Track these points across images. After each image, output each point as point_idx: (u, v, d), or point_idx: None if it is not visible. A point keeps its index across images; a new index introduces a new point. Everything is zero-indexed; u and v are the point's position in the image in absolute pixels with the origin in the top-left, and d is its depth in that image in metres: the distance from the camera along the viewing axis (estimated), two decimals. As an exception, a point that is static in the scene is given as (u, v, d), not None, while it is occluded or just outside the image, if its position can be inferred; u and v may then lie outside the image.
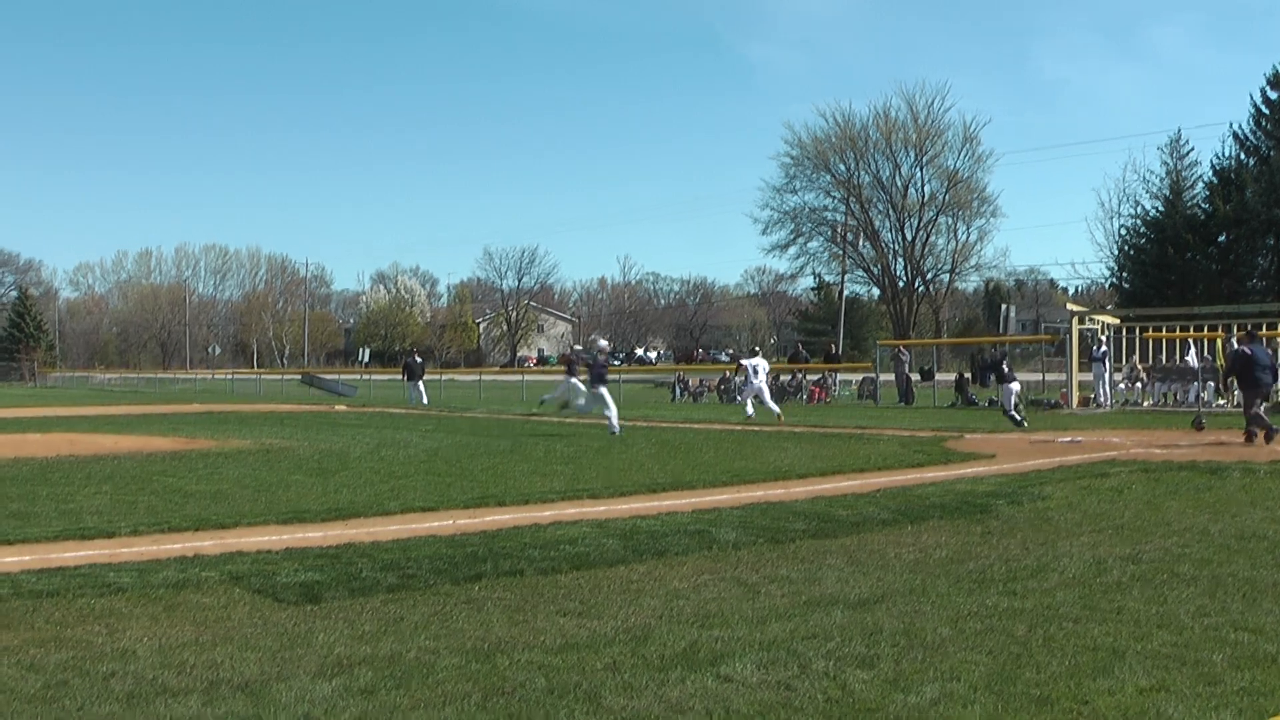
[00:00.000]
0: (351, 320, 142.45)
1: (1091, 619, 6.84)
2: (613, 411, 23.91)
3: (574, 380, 26.63)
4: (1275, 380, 20.85)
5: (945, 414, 31.35)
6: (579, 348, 46.26)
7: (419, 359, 45.98)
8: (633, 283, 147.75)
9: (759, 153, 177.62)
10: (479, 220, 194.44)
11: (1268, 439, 18.82)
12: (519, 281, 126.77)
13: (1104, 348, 31.22)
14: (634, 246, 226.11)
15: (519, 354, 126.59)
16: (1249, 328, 27.58)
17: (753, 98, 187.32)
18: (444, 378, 68.06)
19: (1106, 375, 31.69)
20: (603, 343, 24.47)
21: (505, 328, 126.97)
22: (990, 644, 6.29)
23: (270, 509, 12.18)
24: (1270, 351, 22.69)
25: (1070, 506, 11.74)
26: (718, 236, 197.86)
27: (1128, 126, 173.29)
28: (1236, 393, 29.73)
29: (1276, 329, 32.54)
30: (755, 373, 30.59)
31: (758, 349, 40.62)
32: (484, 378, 64.18)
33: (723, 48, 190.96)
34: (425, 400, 41.79)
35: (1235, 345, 23.26)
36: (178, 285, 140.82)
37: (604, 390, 24.35)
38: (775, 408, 28.17)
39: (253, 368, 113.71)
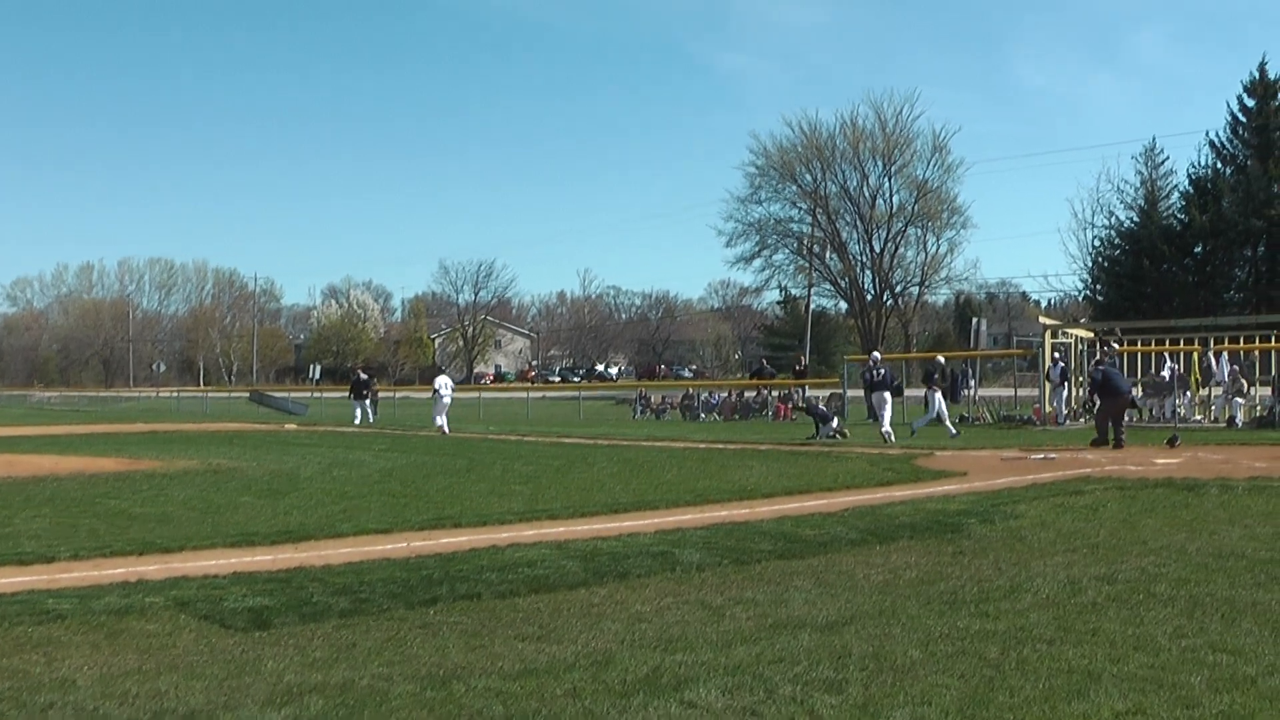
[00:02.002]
0: (302, 336, 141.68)
1: (1066, 641, 6.87)
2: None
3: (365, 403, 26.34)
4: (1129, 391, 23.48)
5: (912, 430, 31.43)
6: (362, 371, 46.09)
7: (365, 375, 45.54)
8: (593, 296, 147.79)
9: (723, 163, 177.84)
10: (434, 232, 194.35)
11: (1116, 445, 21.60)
12: (475, 295, 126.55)
13: (1060, 364, 31.31)
14: (594, 260, 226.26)
15: (476, 370, 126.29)
16: (1107, 343, 28.68)
17: (718, 107, 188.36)
18: (398, 395, 67.63)
19: (1065, 393, 31.67)
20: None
21: (461, 343, 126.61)
22: (962, 667, 6.31)
23: (218, 532, 12.09)
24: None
25: (1044, 525, 11.79)
26: (681, 249, 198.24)
27: (1102, 135, 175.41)
28: (1214, 406, 30.15)
29: (1255, 342, 32.84)
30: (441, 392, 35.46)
31: (443, 367, 41.70)
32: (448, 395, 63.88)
33: (688, 57, 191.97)
34: (372, 419, 41.35)
35: (1097, 365, 24.90)
36: (121, 300, 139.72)
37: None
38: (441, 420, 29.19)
39: (199, 385, 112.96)
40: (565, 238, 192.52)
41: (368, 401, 42.28)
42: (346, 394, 46.68)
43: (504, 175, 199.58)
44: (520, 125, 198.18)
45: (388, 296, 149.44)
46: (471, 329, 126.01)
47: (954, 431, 27.16)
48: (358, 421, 40.45)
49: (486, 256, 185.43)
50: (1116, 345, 32.38)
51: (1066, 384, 31.98)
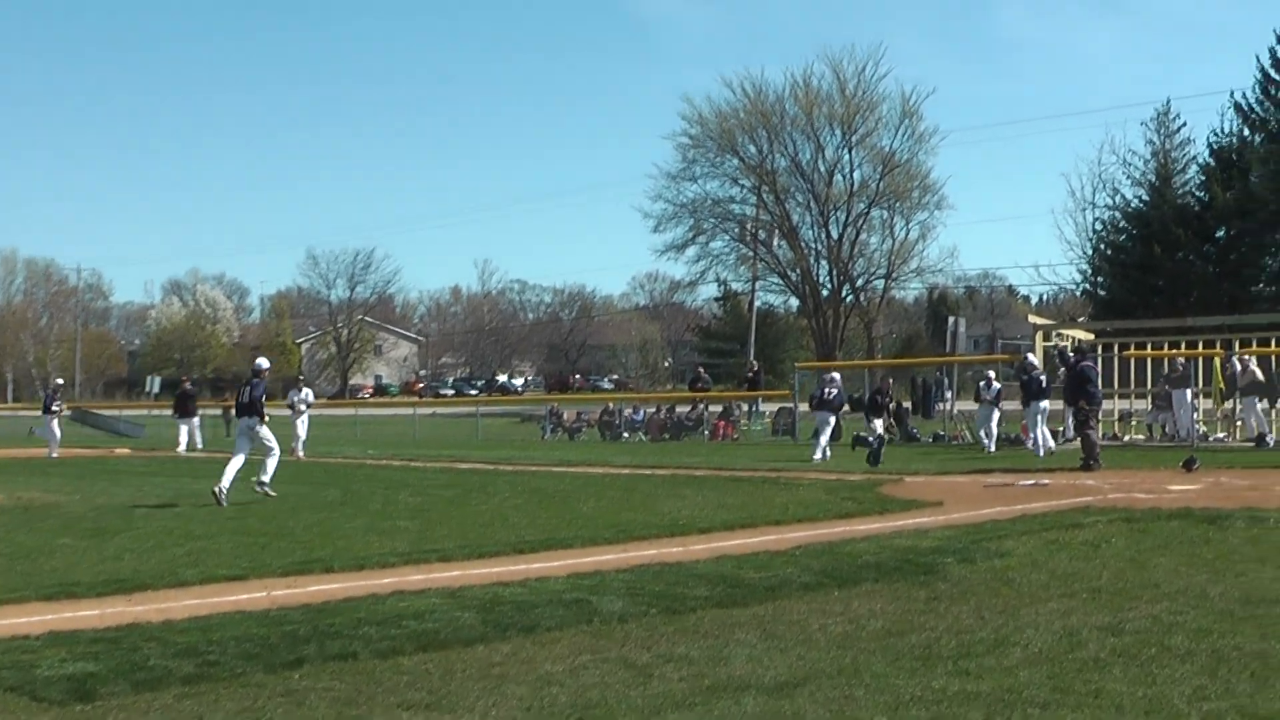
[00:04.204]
0: (138, 341, 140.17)
1: (1063, 704, 6.90)
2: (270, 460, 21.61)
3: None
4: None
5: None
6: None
7: (191, 387, 44.79)
8: (494, 293, 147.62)
9: (650, 132, 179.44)
10: (301, 216, 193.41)
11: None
12: (351, 291, 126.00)
13: (995, 385, 31.36)
14: (495, 248, 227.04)
15: (352, 382, 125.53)
16: (1079, 345, 29.14)
17: (643, 64, 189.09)
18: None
19: (995, 417, 31.31)
20: (263, 362, 23.46)
21: (334, 349, 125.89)
22: (938, 735, 6.32)
23: (29, 582, 11.87)
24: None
25: (1035, 565, 11.87)
26: (600, 236, 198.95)
27: (1106, 97, 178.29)
28: (1239, 424, 30.55)
29: None
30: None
31: (302, 377, 41.72)
32: (309, 412, 63.42)
33: (606, 1, 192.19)
34: (200, 444, 40.45)
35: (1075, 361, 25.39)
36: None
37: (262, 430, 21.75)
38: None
39: (6, 401, 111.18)
40: (460, 222, 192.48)
41: (195, 420, 41.30)
42: (170, 412, 45.42)
43: (385, 147, 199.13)
44: (404, 86, 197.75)
45: (243, 293, 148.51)
46: (347, 332, 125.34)
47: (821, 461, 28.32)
48: (183, 447, 39.53)
49: (364, 245, 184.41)
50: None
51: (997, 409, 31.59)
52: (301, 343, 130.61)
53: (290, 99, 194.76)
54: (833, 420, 29.59)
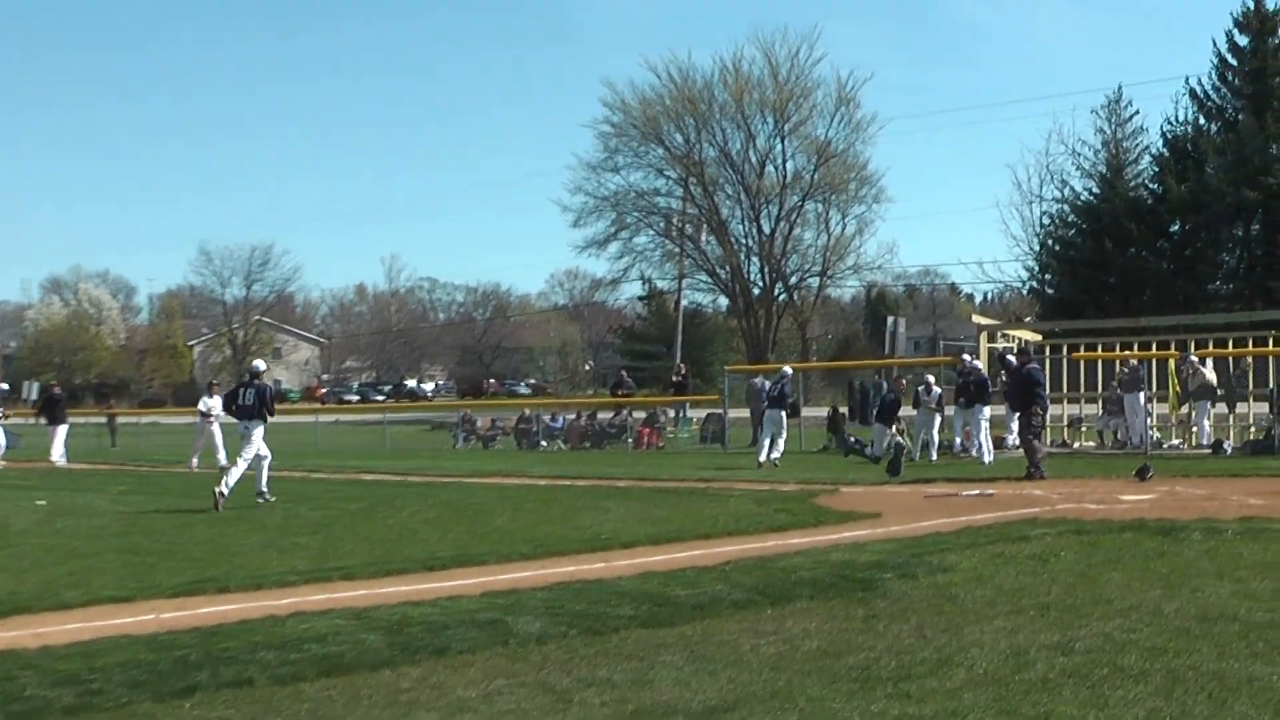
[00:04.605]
0: (13, 344, 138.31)
1: (1008, 726, 6.95)
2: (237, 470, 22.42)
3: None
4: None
5: (816, 461, 31.79)
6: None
7: (60, 392, 44.34)
8: (402, 291, 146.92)
9: (570, 119, 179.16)
10: (193, 209, 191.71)
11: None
12: (248, 290, 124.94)
13: (936, 389, 31.21)
14: (403, 244, 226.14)
15: (218, 386, 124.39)
16: (1023, 346, 29.45)
17: (562, 46, 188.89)
18: (144, 420, 66.39)
19: (937, 424, 31.10)
20: (259, 364, 24.51)
21: (230, 352, 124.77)
22: (877, 762, 6.35)
23: (-105, 604, 11.71)
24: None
25: (980, 580, 11.94)
26: (515, 231, 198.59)
27: (1054, 83, 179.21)
28: (1195, 428, 30.82)
29: (1248, 345, 33.26)
30: None
31: (216, 383, 41.63)
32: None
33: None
34: (63, 459, 39.80)
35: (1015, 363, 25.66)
36: None
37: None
38: None
39: None
40: (365, 216, 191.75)
41: (64, 429, 40.78)
42: (37, 418, 44.74)
43: (285, 136, 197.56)
44: (304, 74, 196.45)
45: (131, 292, 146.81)
46: (243, 334, 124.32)
47: (768, 464, 28.97)
48: (57, 456, 39.12)
49: (262, 240, 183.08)
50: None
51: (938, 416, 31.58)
52: (194, 345, 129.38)
53: (183, 85, 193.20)
54: (785, 419, 30.18)
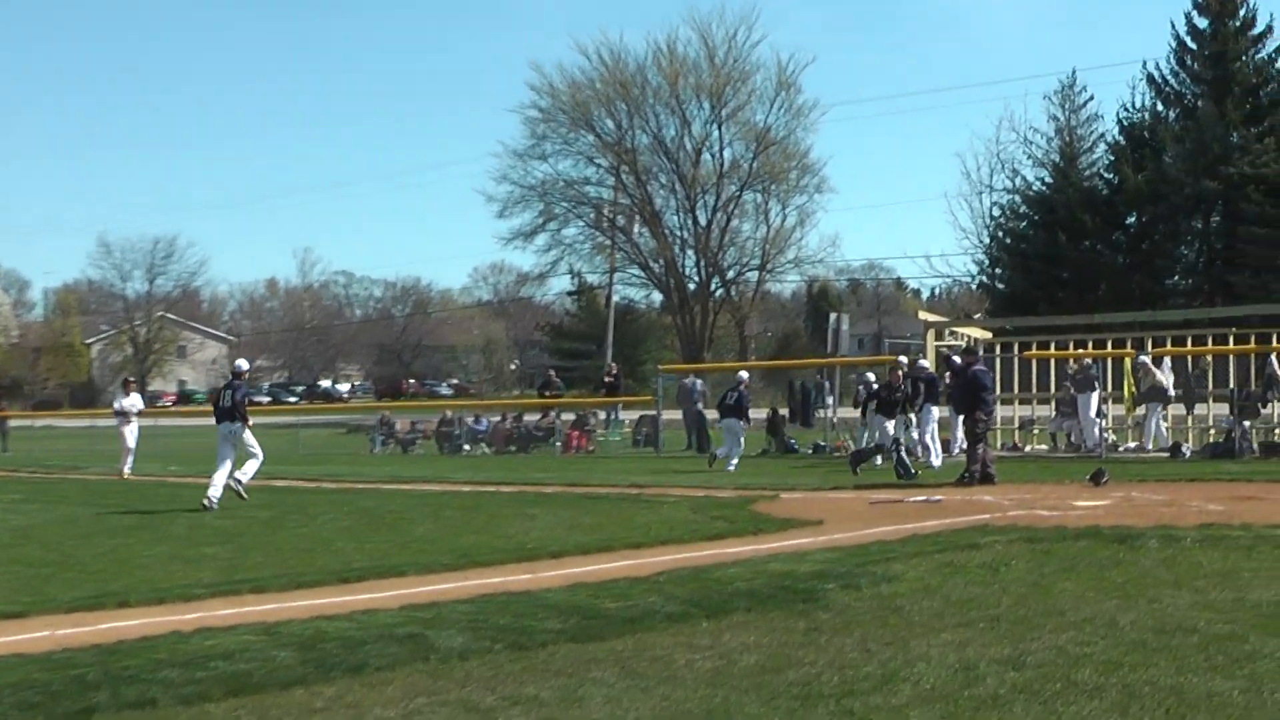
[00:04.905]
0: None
1: (955, 744, 6.98)
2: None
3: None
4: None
5: (755, 465, 31.83)
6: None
7: None
8: (316, 286, 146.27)
9: (494, 104, 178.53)
10: (92, 199, 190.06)
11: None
12: (151, 285, 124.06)
13: (875, 387, 31.07)
14: (317, 235, 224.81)
15: (151, 388, 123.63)
16: (970, 345, 29.62)
17: (487, 26, 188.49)
18: (39, 423, 65.88)
19: (890, 426, 30.87)
20: (242, 364, 25.05)
21: (131, 350, 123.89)
22: (818, 782, 6.36)
23: None
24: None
25: (927, 591, 12.00)
26: (437, 222, 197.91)
27: (1005, 68, 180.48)
28: (1153, 425, 31.02)
29: (1207, 343, 33.51)
30: None
31: (133, 379, 41.43)
32: (100, 422, 62.40)
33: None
34: None
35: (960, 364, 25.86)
36: None
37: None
38: None
39: None
40: (276, 205, 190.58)
41: None
42: None
43: (190, 121, 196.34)
44: (210, 48, 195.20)
45: (23, 286, 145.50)
46: (145, 331, 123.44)
47: (723, 468, 29.59)
48: None
49: (166, 231, 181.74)
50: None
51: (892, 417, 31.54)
52: (92, 343, 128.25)
53: (79, 66, 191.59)
54: (742, 428, 30.72)
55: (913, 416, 29.50)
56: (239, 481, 22.60)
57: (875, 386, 30.79)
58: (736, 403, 30.71)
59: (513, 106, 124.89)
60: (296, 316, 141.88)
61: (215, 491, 22.17)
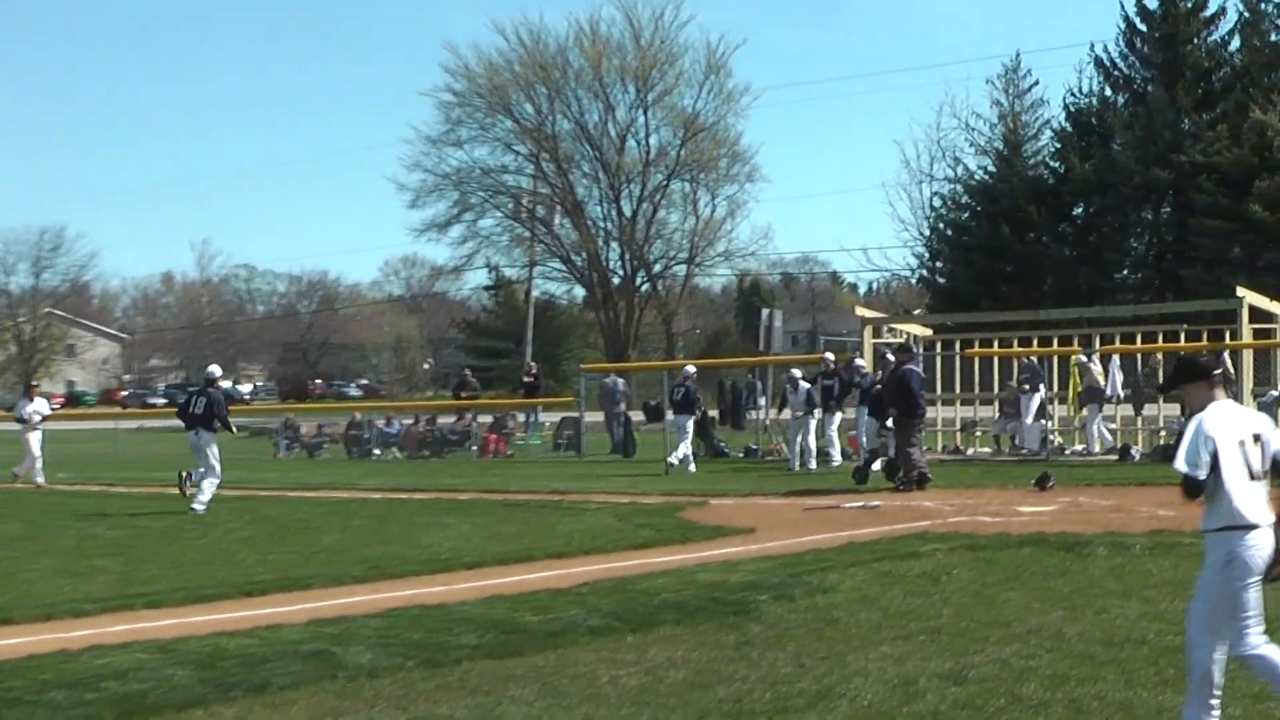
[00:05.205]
0: None
1: (894, 763, 7.01)
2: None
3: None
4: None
5: (683, 470, 31.86)
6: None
7: None
8: (215, 280, 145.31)
9: (406, 87, 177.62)
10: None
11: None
12: (36, 279, 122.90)
13: (803, 385, 30.90)
14: (216, 227, 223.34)
15: (37, 389, 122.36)
16: (906, 342, 29.85)
17: (398, 3, 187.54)
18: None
19: (813, 425, 30.71)
20: (215, 370, 25.45)
21: (15, 349, 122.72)
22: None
23: None
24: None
25: (865, 602, 12.06)
26: (344, 212, 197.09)
27: (946, 50, 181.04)
28: (1094, 428, 31.18)
29: (1158, 340, 33.67)
30: None
31: (36, 383, 41.32)
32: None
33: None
34: None
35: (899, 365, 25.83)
36: None
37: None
38: None
39: None
40: (173, 195, 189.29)
41: None
42: None
43: (78, 106, 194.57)
44: (100, 28, 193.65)
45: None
46: (31, 328, 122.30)
47: (679, 467, 30.03)
48: None
49: (53, 222, 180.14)
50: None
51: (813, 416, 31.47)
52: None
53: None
54: (690, 424, 31.05)
55: (811, 420, 29.81)
56: (198, 499, 22.80)
57: (811, 380, 30.80)
58: (684, 398, 31.08)
59: (426, 89, 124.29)
60: (194, 313, 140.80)
61: (205, 496, 22.79)
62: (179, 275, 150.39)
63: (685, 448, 30.56)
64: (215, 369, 25.58)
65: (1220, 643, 7.07)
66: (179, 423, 24.75)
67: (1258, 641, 7.07)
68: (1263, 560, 7.13)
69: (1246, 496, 7.08)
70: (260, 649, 10.43)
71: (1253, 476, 7.15)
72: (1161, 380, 31.86)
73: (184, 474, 23.43)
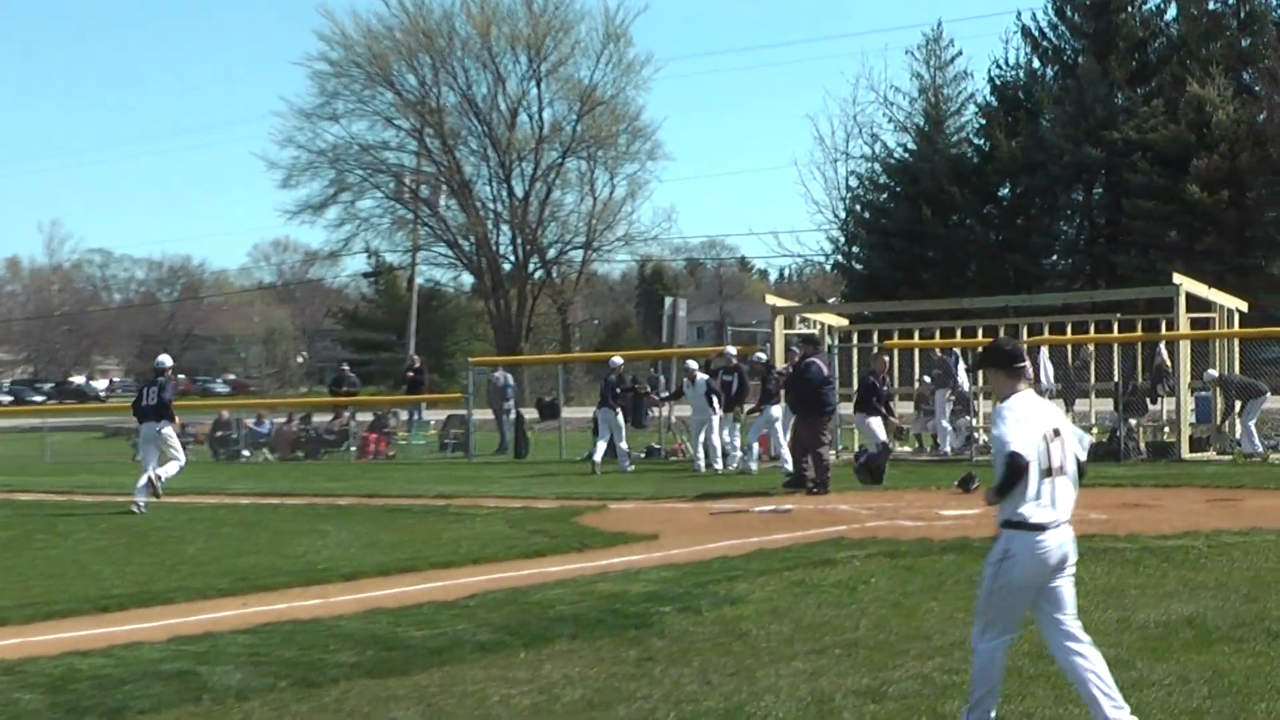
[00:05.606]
0: None
1: (808, 787, 7.04)
2: None
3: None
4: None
5: (580, 471, 31.88)
6: None
7: None
8: (66, 267, 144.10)
9: (277, 56, 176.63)
10: None
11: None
12: None
13: (700, 378, 30.61)
14: (68, 208, 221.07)
15: None
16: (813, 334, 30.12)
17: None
18: None
19: (716, 421, 30.44)
20: (165, 359, 25.73)
21: None
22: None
23: None
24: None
25: (776, 614, 12.10)
26: (208, 191, 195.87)
27: (863, 19, 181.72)
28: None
29: (1089, 331, 33.96)
30: None
31: None
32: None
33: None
34: None
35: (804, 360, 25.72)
36: None
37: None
38: None
39: None
40: (18, 172, 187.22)
41: None
42: None
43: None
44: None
45: None
46: None
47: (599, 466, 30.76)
48: None
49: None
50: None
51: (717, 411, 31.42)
52: None
53: None
54: (621, 417, 32.03)
55: (714, 416, 29.95)
56: (159, 479, 23.75)
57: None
58: (616, 390, 32.02)
59: (299, 59, 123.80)
60: (43, 302, 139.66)
61: (141, 497, 23.41)
62: (26, 260, 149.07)
63: (619, 443, 31.44)
64: (166, 359, 26.23)
65: (1000, 635, 7.81)
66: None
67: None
68: (1044, 563, 7.68)
69: (1040, 493, 7.40)
70: (117, 670, 10.35)
71: (1049, 472, 7.39)
72: (1093, 374, 32.34)
73: (154, 476, 23.80)
